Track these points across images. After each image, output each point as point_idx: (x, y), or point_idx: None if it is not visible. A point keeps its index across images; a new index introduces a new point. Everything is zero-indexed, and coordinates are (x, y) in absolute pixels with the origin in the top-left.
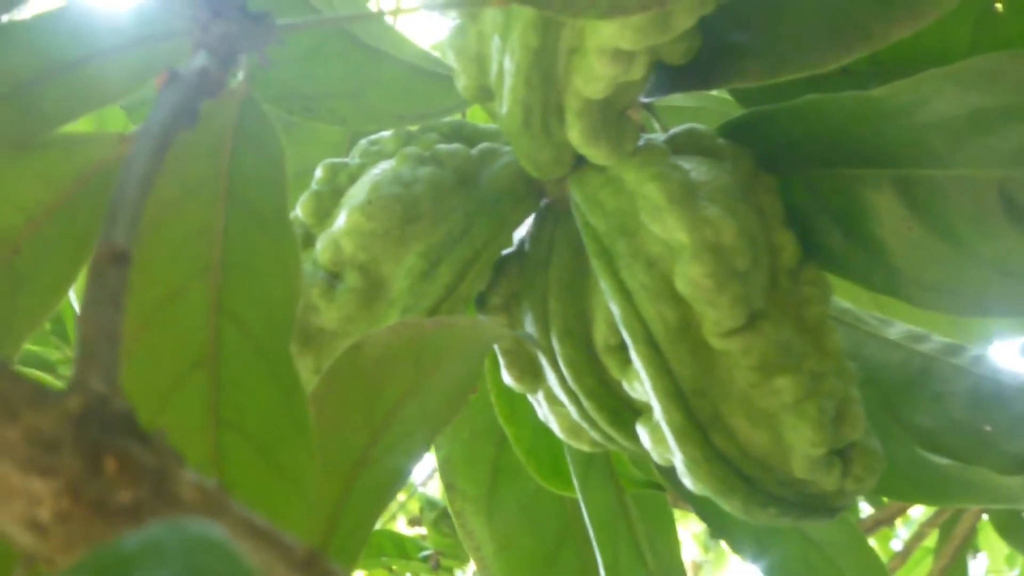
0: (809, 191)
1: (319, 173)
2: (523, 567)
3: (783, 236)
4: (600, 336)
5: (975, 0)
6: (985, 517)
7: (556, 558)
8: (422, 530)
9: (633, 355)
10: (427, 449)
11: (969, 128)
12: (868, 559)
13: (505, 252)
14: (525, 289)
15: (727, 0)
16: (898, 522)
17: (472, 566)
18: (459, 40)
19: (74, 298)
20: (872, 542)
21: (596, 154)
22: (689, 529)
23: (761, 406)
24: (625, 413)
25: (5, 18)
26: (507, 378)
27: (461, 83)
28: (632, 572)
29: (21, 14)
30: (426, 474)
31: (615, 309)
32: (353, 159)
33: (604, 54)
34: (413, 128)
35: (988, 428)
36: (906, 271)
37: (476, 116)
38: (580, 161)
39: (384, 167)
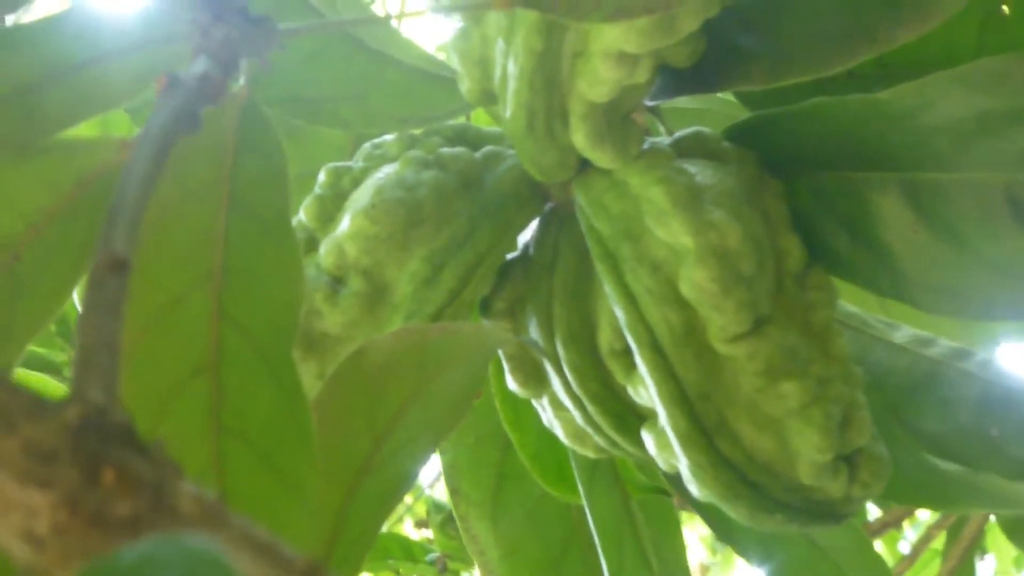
0: (815, 195)
1: (322, 177)
2: (528, 572)
3: (789, 240)
4: (605, 341)
5: (981, 3)
6: (993, 519)
7: (561, 564)
8: (429, 533)
9: (638, 360)
10: (431, 455)
11: (975, 131)
12: (874, 564)
13: (509, 256)
14: (529, 294)
15: (732, 3)
16: (906, 524)
17: (478, 570)
18: (463, 43)
19: (78, 301)
20: (880, 544)
21: (600, 158)
22: (696, 531)
23: (767, 411)
24: (630, 418)
25: (9, 20)
26: (511, 383)
27: (465, 86)
28: None
29: (25, 17)
30: (433, 477)
31: (620, 313)
32: (356, 163)
33: (608, 57)
34: (417, 131)
35: (995, 433)
36: (912, 275)
37: (480, 119)
38: (584, 165)
39: (388, 171)
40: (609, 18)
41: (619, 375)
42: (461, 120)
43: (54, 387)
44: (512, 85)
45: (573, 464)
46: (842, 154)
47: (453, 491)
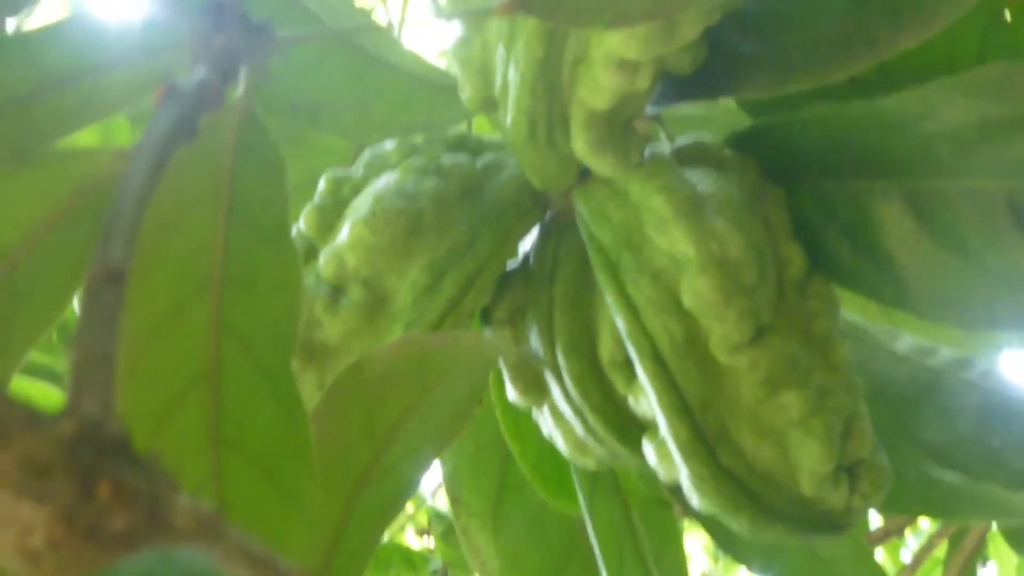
0: (816, 203)
1: (322, 185)
2: None
3: (790, 249)
4: (606, 350)
5: (983, 9)
6: (995, 527)
7: (562, 574)
8: (430, 542)
9: (639, 370)
10: (432, 464)
11: (978, 138)
12: (875, 574)
13: (510, 265)
14: (530, 303)
15: (734, 9)
16: (908, 532)
17: None
18: (463, 51)
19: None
20: (881, 553)
21: (601, 166)
22: (698, 540)
23: (768, 422)
24: (631, 429)
25: (10, 24)
26: (511, 393)
27: (465, 94)
28: None
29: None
30: (435, 486)
31: (620, 323)
32: (357, 171)
33: (609, 64)
34: (417, 139)
35: (997, 443)
36: (914, 283)
37: (482, 127)
38: (585, 173)
39: (388, 179)
40: (610, 25)
41: (620, 385)
42: (462, 128)
43: (55, 396)
44: (513, 92)
45: (573, 474)
46: (843, 162)
47: (454, 501)
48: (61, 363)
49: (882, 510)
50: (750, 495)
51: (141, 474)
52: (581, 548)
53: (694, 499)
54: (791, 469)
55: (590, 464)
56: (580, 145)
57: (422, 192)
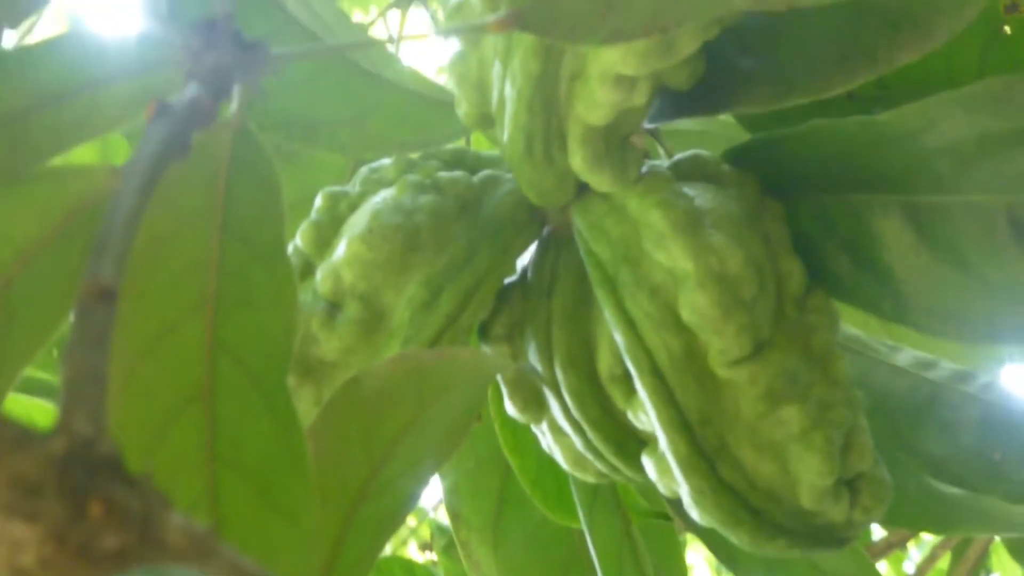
0: (816, 217)
1: (319, 202)
2: None
3: (790, 263)
4: (604, 365)
5: (983, 23)
6: (998, 538)
7: None
8: (433, 556)
9: (638, 385)
10: (430, 480)
11: (977, 153)
12: None
13: (508, 281)
14: (528, 318)
15: (731, 24)
16: (910, 545)
17: None
18: (460, 66)
19: None
20: (884, 565)
21: (599, 181)
22: (701, 552)
23: (768, 436)
24: (630, 444)
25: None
26: (510, 408)
27: (462, 110)
28: None
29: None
30: (437, 500)
31: (619, 338)
32: (353, 187)
33: (606, 80)
34: (414, 156)
35: (998, 456)
36: (914, 298)
37: (480, 143)
38: (583, 188)
39: (385, 195)
40: (606, 40)
41: (619, 400)
42: (459, 144)
43: (53, 413)
44: (509, 108)
45: (573, 489)
46: (843, 176)
47: (454, 516)
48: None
49: (883, 524)
50: (750, 509)
51: (133, 492)
52: (581, 562)
53: (694, 513)
54: (791, 483)
55: (590, 478)
56: (577, 161)
57: (419, 208)
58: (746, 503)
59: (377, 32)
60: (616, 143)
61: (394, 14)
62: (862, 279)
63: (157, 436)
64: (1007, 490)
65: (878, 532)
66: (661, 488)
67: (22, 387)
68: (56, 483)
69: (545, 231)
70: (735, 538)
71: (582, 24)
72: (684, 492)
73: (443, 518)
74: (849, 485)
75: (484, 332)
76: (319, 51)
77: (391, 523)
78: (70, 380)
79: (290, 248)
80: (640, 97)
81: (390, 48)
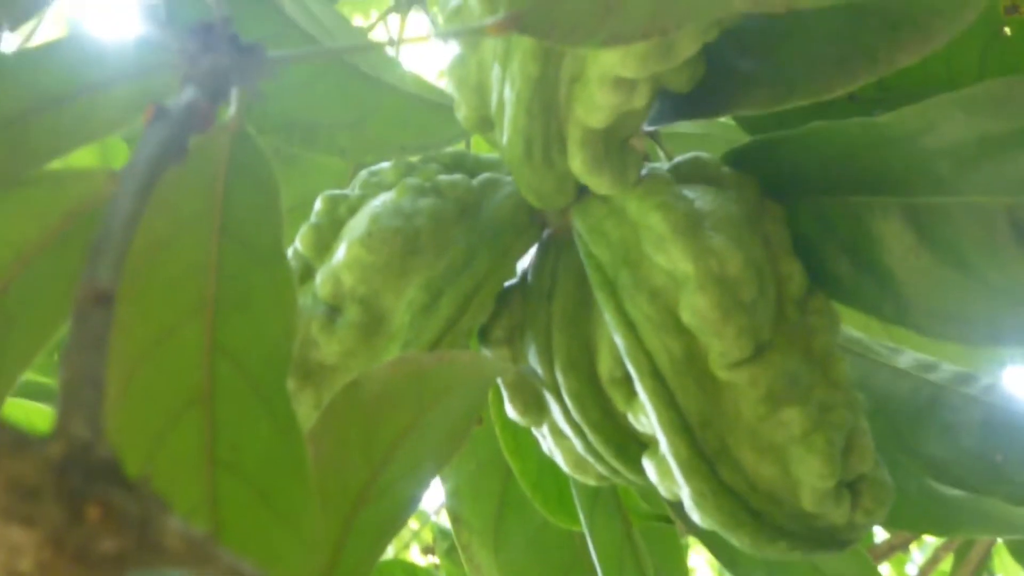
0: (816, 219)
1: (318, 205)
2: None
3: (790, 265)
4: (605, 368)
5: (983, 25)
6: (1000, 540)
7: None
8: (435, 559)
9: (638, 387)
10: (431, 484)
11: (978, 154)
12: None
13: (508, 284)
14: (528, 321)
15: (731, 27)
16: (913, 547)
17: None
18: (459, 70)
19: None
20: (887, 567)
21: (599, 184)
22: (703, 555)
23: (769, 438)
24: (631, 446)
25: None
26: (511, 411)
27: (462, 113)
28: None
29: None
30: (439, 503)
31: (619, 341)
32: (353, 190)
33: (606, 82)
34: (414, 159)
35: (1000, 458)
36: (915, 300)
37: (480, 146)
38: (583, 191)
39: (384, 199)
40: (605, 43)
41: (619, 403)
42: (459, 147)
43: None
44: (509, 111)
45: (574, 492)
46: (843, 178)
47: (455, 519)
48: None
49: (885, 526)
50: (751, 512)
51: (131, 496)
52: (582, 565)
53: (695, 516)
54: (792, 485)
55: (591, 481)
56: (577, 163)
57: (419, 211)
58: (747, 505)
59: (377, 36)
60: (616, 146)
61: (394, 19)
62: (863, 281)
63: (157, 440)
64: (1009, 492)
65: (880, 534)
66: (662, 491)
67: (23, 391)
68: (54, 487)
69: (545, 234)
70: (736, 540)
71: (581, 26)
72: (685, 494)
73: (445, 521)
74: (850, 487)
75: (484, 335)
76: (317, 54)
77: (391, 527)
78: (68, 384)
79: (290, 252)
80: (640, 100)
81: (390, 52)
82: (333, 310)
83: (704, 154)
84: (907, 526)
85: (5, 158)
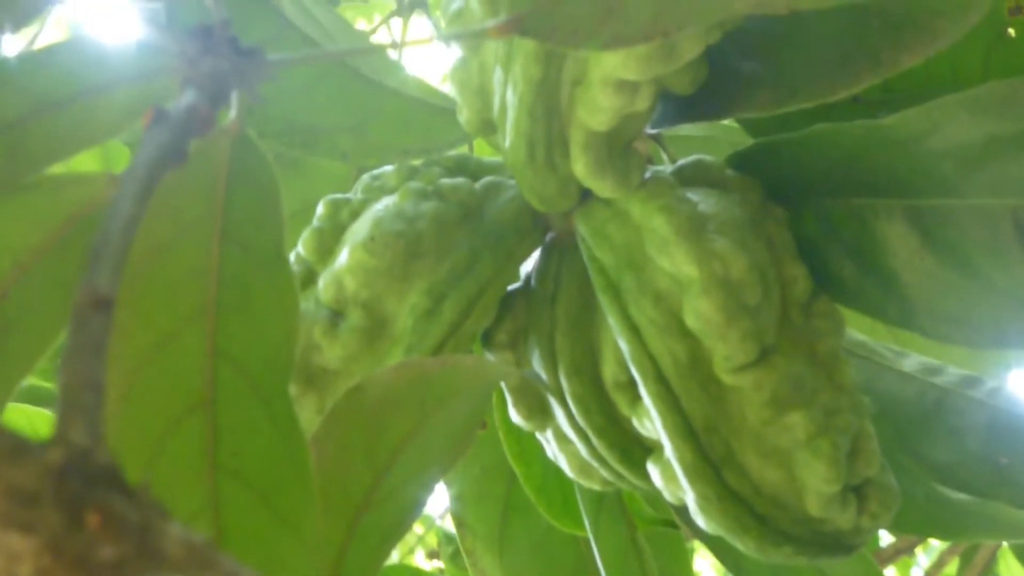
0: (820, 222)
1: (321, 209)
2: None
3: (794, 268)
4: (609, 372)
5: (987, 26)
6: (1005, 544)
7: None
8: (440, 563)
9: (643, 392)
10: (435, 488)
11: (982, 156)
12: None
13: (511, 288)
14: (532, 325)
15: (734, 29)
16: (918, 550)
17: None
18: (461, 73)
19: None
20: (892, 571)
21: (602, 187)
22: (709, 559)
23: (774, 443)
24: (636, 451)
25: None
26: (515, 416)
27: (464, 116)
28: None
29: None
30: (444, 507)
31: (623, 345)
32: (355, 194)
33: (608, 85)
34: (416, 162)
35: (1005, 461)
36: (920, 303)
37: (482, 150)
38: (586, 194)
39: (387, 202)
40: (607, 45)
41: (624, 407)
42: (462, 150)
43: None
44: (511, 114)
45: (579, 497)
46: (847, 181)
47: (459, 524)
48: None
49: (891, 530)
50: (756, 517)
51: (131, 503)
52: (587, 570)
53: (700, 521)
54: (798, 490)
55: (595, 486)
56: (580, 167)
57: (421, 215)
58: (752, 510)
59: (380, 40)
60: (619, 148)
61: (397, 22)
62: (867, 284)
63: (158, 445)
64: (1014, 495)
65: (886, 538)
66: (667, 495)
67: (25, 396)
68: (53, 493)
69: (548, 237)
70: (741, 545)
71: (583, 29)
72: (690, 499)
73: (450, 526)
74: (856, 491)
75: (488, 339)
76: (317, 57)
77: (395, 532)
78: (67, 390)
79: (292, 256)
80: (642, 102)
81: (392, 55)
82: (336, 314)
83: (707, 157)
84: (913, 530)
85: (5, 162)
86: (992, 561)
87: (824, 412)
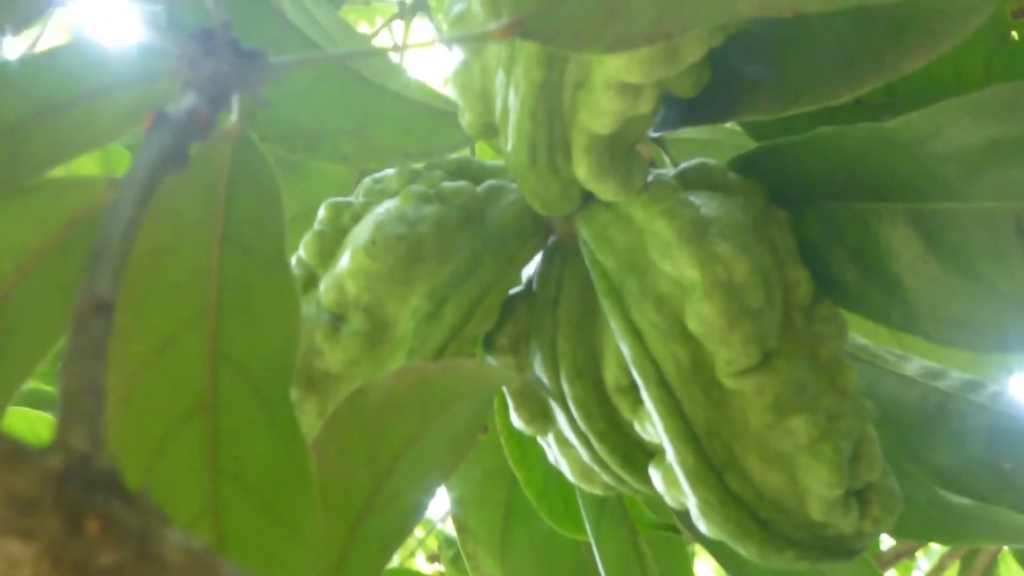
0: (823, 226)
1: (322, 213)
2: None
3: (797, 272)
4: (611, 376)
5: (989, 29)
6: (1006, 547)
7: None
8: (440, 567)
9: (644, 396)
10: (436, 492)
11: (985, 159)
12: None
13: (513, 291)
14: (533, 329)
15: (737, 31)
16: (919, 553)
17: None
18: (463, 76)
19: None
20: (893, 574)
21: (604, 190)
22: (710, 563)
23: (776, 447)
24: (637, 455)
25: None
26: (516, 420)
27: (466, 120)
28: None
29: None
30: (444, 511)
31: (625, 349)
32: (357, 198)
33: (611, 88)
34: (418, 166)
35: (1007, 466)
36: (923, 306)
37: (484, 153)
38: (588, 198)
39: (388, 206)
40: (610, 48)
41: (625, 411)
42: (463, 154)
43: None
44: (513, 117)
45: (580, 501)
46: (850, 184)
47: (460, 528)
48: None
49: (892, 534)
50: (759, 521)
51: (130, 509)
52: (588, 574)
53: (702, 525)
54: (800, 494)
55: (596, 490)
56: (582, 170)
57: (423, 218)
58: (754, 514)
59: (381, 43)
60: (621, 152)
61: (399, 25)
62: (870, 288)
63: (158, 450)
64: (1016, 500)
65: (887, 541)
66: (668, 500)
67: (27, 400)
68: (53, 499)
69: (550, 241)
70: (743, 550)
71: (585, 32)
72: (691, 504)
73: (451, 529)
74: (858, 496)
75: (489, 343)
76: (319, 59)
77: (396, 536)
78: (67, 394)
79: (293, 259)
80: (645, 105)
81: (394, 58)
82: (337, 318)
83: (710, 160)
84: (914, 534)
85: (6, 165)
86: (992, 564)
87: (826, 416)
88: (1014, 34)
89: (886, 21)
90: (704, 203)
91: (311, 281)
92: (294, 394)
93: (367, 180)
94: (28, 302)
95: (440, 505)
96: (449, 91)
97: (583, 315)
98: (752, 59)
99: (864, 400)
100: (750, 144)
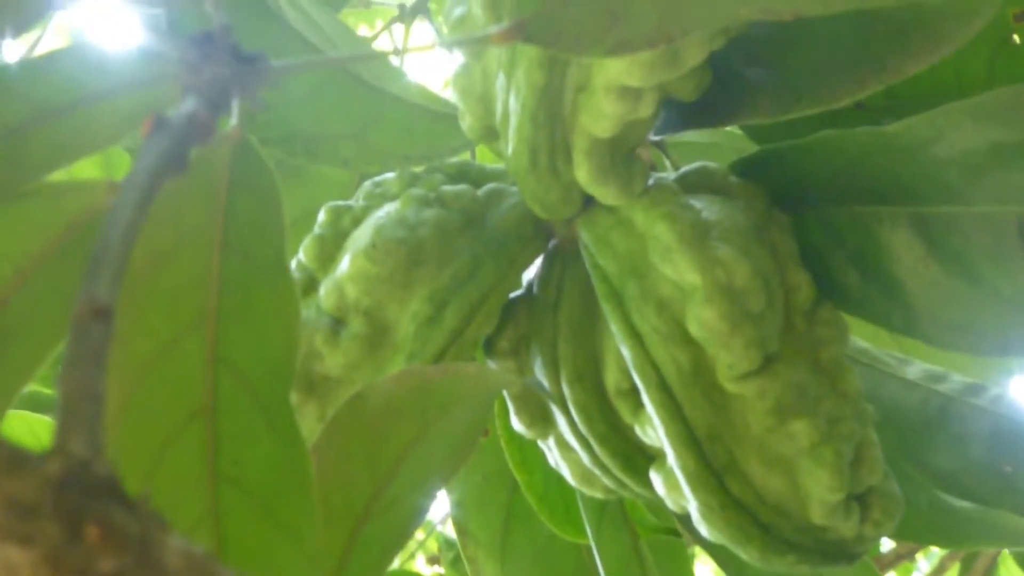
0: (824, 229)
1: (322, 216)
2: None
3: (798, 276)
4: (611, 380)
5: (991, 32)
6: (1006, 550)
7: None
8: (441, 569)
9: (645, 400)
10: (436, 497)
11: (987, 163)
12: None
13: (513, 295)
14: (534, 333)
15: (738, 35)
16: (919, 555)
17: None
18: (464, 79)
19: None
20: None
21: (605, 194)
22: (711, 565)
23: (777, 451)
24: (638, 459)
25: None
26: (517, 424)
27: (466, 123)
28: None
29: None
30: (444, 513)
31: (626, 353)
32: (357, 201)
33: (611, 91)
34: (418, 169)
35: (1008, 469)
36: (924, 310)
37: (485, 156)
38: (589, 201)
39: (388, 209)
40: (611, 52)
41: (626, 415)
42: (464, 157)
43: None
44: (514, 121)
45: (581, 505)
46: (851, 188)
47: (461, 531)
48: None
49: (893, 537)
50: (760, 525)
51: (130, 514)
52: None
53: (703, 529)
54: (801, 498)
55: (597, 494)
56: (583, 173)
57: (423, 222)
58: (755, 518)
59: (382, 46)
60: (622, 155)
61: (399, 28)
62: (871, 291)
63: (158, 455)
64: (1017, 503)
65: (887, 544)
66: (669, 504)
67: (27, 403)
68: (52, 505)
69: (551, 244)
70: (744, 554)
71: (587, 35)
72: (692, 507)
73: (451, 532)
74: (859, 500)
75: (490, 347)
76: (319, 63)
77: (397, 541)
78: (66, 400)
79: (293, 263)
80: (646, 109)
81: (394, 61)
82: (337, 322)
83: (711, 164)
84: (915, 537)
85: (6, 169)
86: (992, 566)
87: (828, 420)
88: (1016, 37)
89: (887, 24)
90: (705, 207)
91: (311, 285)
92: (294, 398)
93: (367, 184)
94: (28, 307)
95: (440, 507)
96: (449, 94)
97: (584, 319)
98: (753, 62)
99: (865, 404)
100: (751, 148)
